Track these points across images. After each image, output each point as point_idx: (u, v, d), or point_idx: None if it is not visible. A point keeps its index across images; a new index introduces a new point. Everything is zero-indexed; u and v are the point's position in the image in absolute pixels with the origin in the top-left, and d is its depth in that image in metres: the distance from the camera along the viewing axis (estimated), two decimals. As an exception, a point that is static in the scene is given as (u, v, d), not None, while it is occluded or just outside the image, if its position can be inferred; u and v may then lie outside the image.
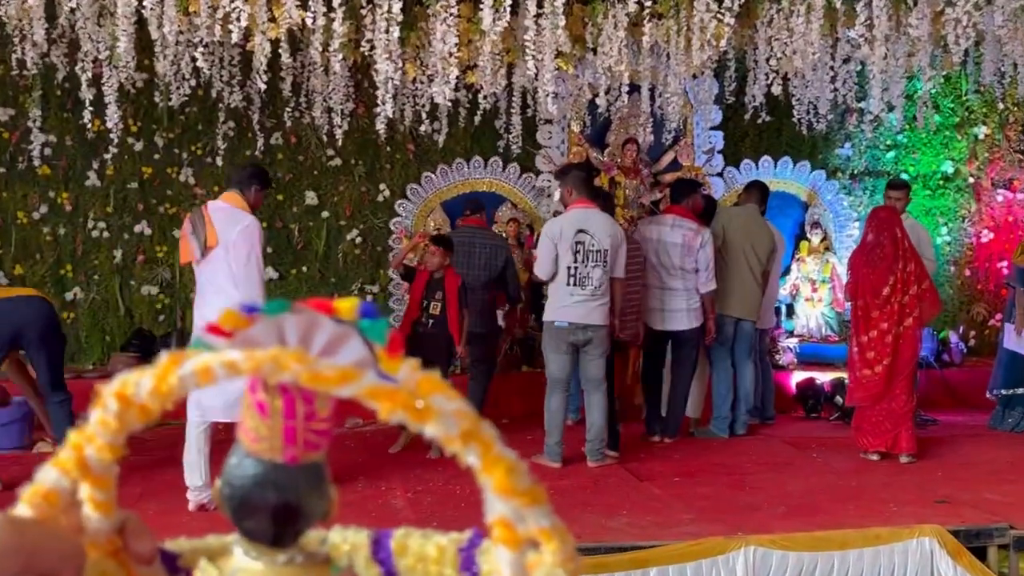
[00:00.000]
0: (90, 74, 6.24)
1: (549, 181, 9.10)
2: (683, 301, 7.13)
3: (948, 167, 10.09)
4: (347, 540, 0.94)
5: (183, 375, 0.72)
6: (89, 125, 6.79)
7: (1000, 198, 10.14)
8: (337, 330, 0.79)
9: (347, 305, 0.80)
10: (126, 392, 0.74)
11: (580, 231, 6.38)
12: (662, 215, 7.54)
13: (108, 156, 7.85)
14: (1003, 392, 7.88)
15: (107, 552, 0.83)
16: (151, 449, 6.28)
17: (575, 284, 6.38)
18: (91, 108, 6.37)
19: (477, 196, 8.54)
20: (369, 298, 9.22)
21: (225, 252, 5.52)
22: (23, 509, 0.76)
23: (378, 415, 0.73)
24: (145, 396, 0.74)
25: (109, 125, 6.39)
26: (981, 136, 10.12)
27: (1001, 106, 10.01)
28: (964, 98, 9.99)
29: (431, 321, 6.85)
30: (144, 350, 8.45)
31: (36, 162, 8.42)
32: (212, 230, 5.55)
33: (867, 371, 6.78)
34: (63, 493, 0.78)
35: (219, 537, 0.89)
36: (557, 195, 8.86)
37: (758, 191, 7.92)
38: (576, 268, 6.38)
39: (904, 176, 9.50)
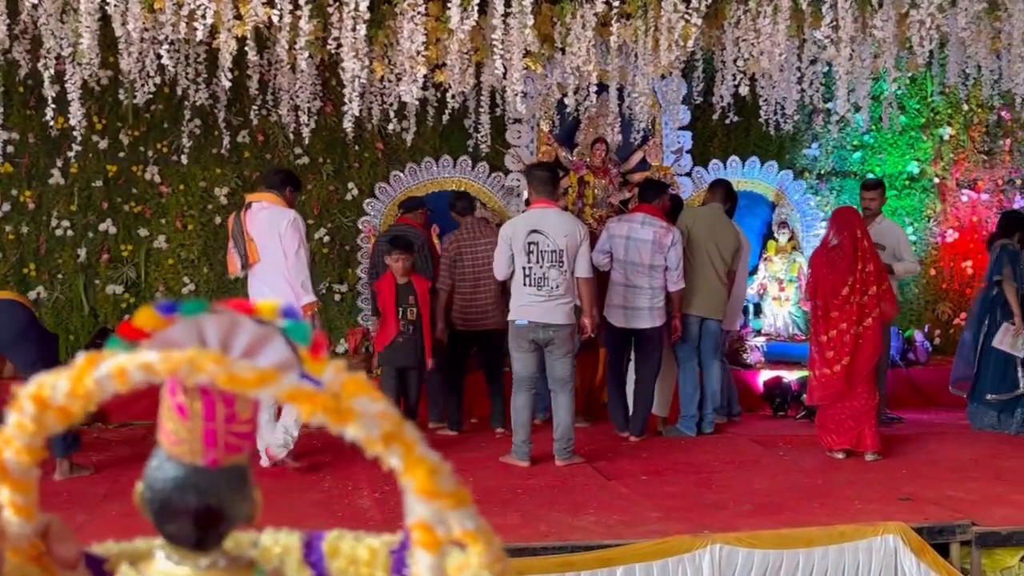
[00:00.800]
0: (53, 71, 6.17)
1: (518, 180, 9.10)
2: (647, 299, 7.15)
3: (914, 167, 10.19)
4: (279, 542, 0.93)
5: (99, 377, 0.71)
6: (52, 123, 6.73)
7: (965, 198, 10.25)
8: (259, 331, 0.77)
9: (268, 306, 0.78)
10: (42, 395, 0.73)
11: (533, 231, 6.39)
12: (632, 213, 7.56)
13: (72, 154, 7.74)
14: (998, 397, 7.86)
15: (29, 557, 0.81)
16: (115, 448, 6.23)
17: (531, 284, 6.39)
18: (54, 105, 6.30)
19: (420, 198, 8.51)
20: (338, 298, 9.20)
21: (273, 249, 6.09)
22: None
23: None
24: (62, 398, 0.72)
25: (73, 123, 6.32)
26: (946, 137, 10.23)
27: (966, 107, 10.11)
28: (929, 99, 10.08)
29: (411, 327, 6.91)
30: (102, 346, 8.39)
31: (-2, 159, 8.35)
32: (252, 247, 6.17)
33: (827, 370, 6.84)
34: None
35: (148, 540, 0.87)
36: (526, 194, 8.89)
37: (722, 190, 7.96)
38: (531, 268, 6.39)
39: (871, 176, 9.60)
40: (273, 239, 6.12)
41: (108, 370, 0.71)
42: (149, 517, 0.81)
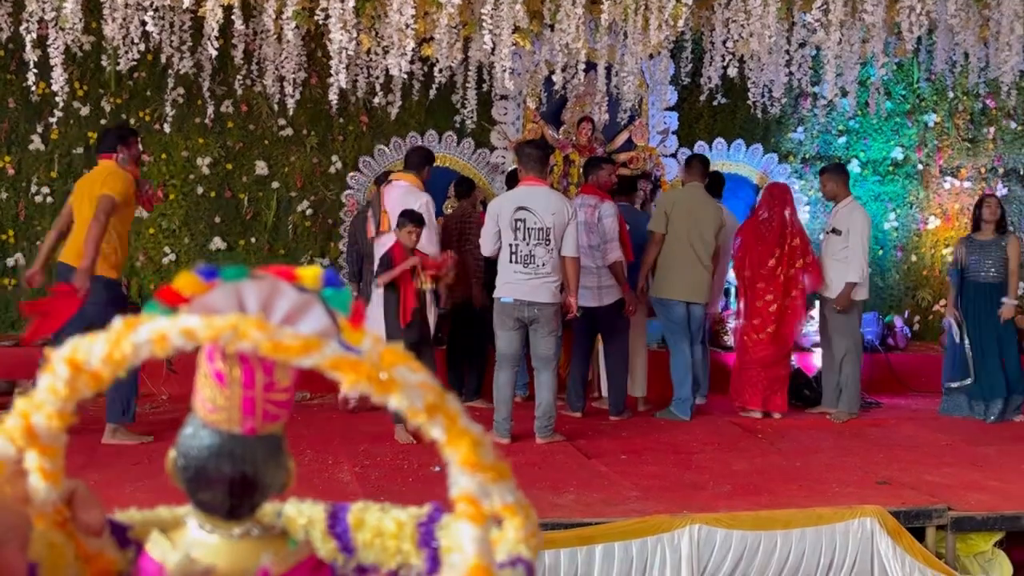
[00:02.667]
0: (35, 35, 6.09)
1: (504, 157, 9.08)
2: (592, 279, 7.13)
3: (898, 153, 10.22)
4: (303, 513, 0.92)
5: (137, 342, 0.70)
6: (34, 88, 6.64)
7: (947, 185, 10.29)
8: (299, 298, 0.76)
9: (310, 273, 0.77)
10: (77, 358, 0.72)
11: (520, 208, 6.37)
12: (577, 194, 7.55)
13: (53, 120, 7.69)
14: (953, 385, 7.99)
15: (54, 523, 0.80)
16: (96, 418, 6.19)
17: (518, 262, 6.37)
18: (36, 70, 6.22)
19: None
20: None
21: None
22: None
23: (341, 385, 0.71)
24: (97, 363, 0.71)
25: (55, 88, 6.24)
26: (931, 124, 10.26)
27: (951, 95, 10.14)
28: (915, 86, 10.11)
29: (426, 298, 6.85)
30: (87, 319, 8.36)
31: (-23, 125, 8.26)
32: (385, 218, 6.94)
33: (753, 335, 7.49)
34: (9, 462, 0.75)
35: (171, 509, 0.87)
36: (510, 169, 8.86)
37: (698, 165, 7.84)
38: (518, 246, 6.37)
39: (855, 162, 9.63)
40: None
41: (148, 335, 0.70)
42: (182, 485, 0.80)
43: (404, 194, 6.93)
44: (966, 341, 7.89)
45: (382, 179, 7.88)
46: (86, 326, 0.91)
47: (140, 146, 6.78)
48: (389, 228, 6.86)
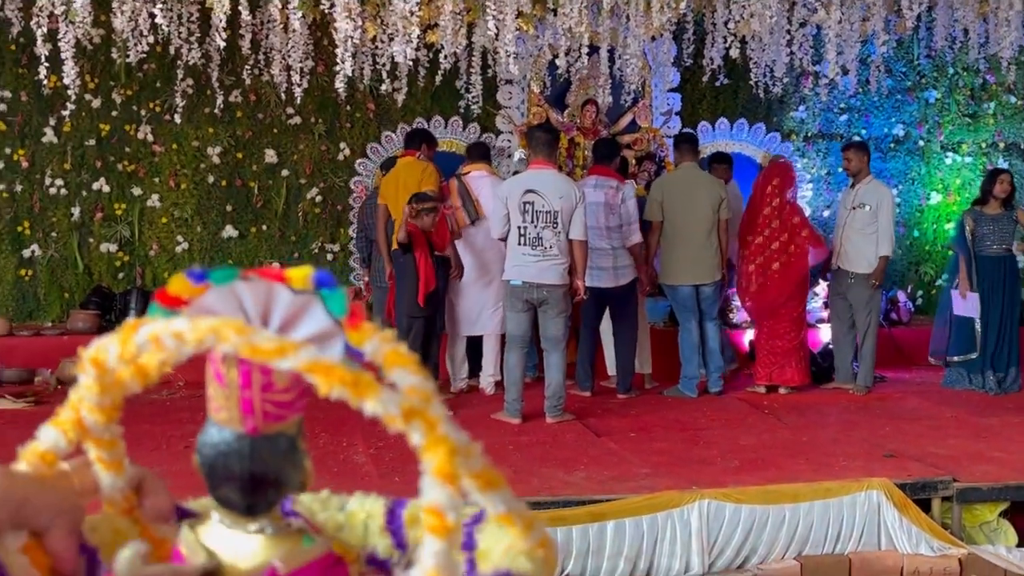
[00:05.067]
0: (46, 29, 6.09)
1: (509, 141, 9.06)
2: (609, 260, 7.12)
3: (899, 130, 10.18)
4: (364, 507, 0.92)
5: (139, 342, 0.70)
6: (45, 81, 6.64)
7: (949, 161, 10.26)
8: (297, 300, 0.74)
9: (299, 274, 0.75)
10: (100, 358, 0.72)
11: (529, 191, 6.35)
12: (585, 177, 7.51)
13: (65, 113, 7.71)
14: (956, 358, 8.01)
15: (122, 510, 0.81)
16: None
17: (526, 244, 6.36)
18: (47, 64, 6.23)
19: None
20: (330, 257, 9.18)
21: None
22: (22, 467, 0.75)
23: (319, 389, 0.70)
24: (114, 363, 0.72)
25: (66, 81, 6.26)
26: (931, 100, 10.21)
27: (951, 71, 10.11)
28: (916, 63, 10.07)
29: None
30: (103, 307, 8.38)
31: (-9, 118, 8.27)
32: (479, 206, 7.24)
33: (744, 297, 7.80)
34: (60, 452, 0.76)
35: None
36: (517, 155, 8.85)
37: (687, 144, 7.77)
38: (526, 228, 6.35)
39: (857, 139, 9.58)
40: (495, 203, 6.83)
41: (145, 336, 0.69)
42: (203, 480, 0.80)
43: (491, 182, 7.28)
44: (977, 314, 7.87)
45: (388, 164, 7.86)
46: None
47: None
48: (484, 215, 7.19)
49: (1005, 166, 10.13)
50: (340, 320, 0.74)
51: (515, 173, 7.78)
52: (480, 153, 7.70)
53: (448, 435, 0.68)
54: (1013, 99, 10.36)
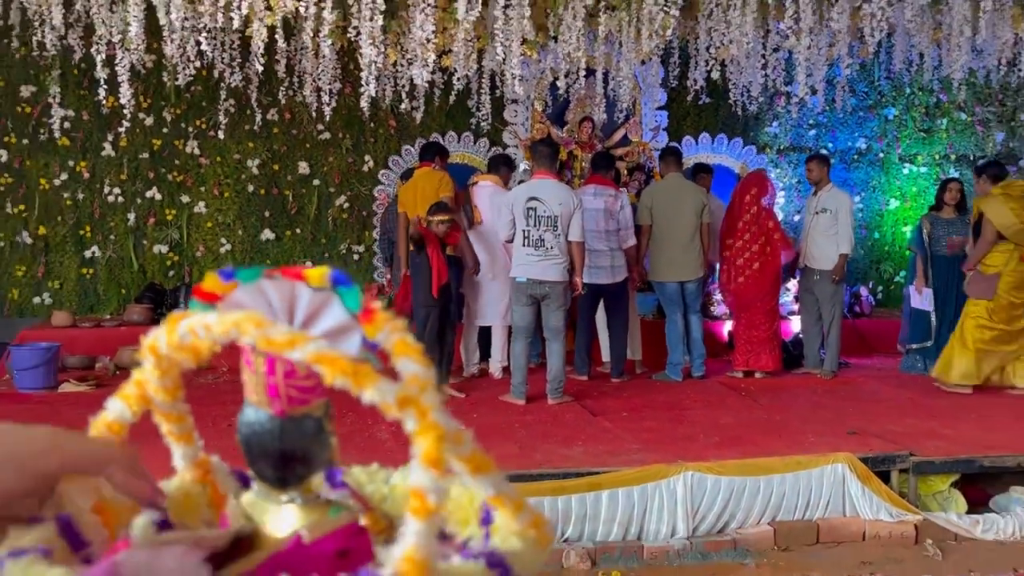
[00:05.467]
0: (104, 55, 6.10)
1: (515, 153, 9.05)
2: (607, 260, 7.11)
3: (862, 144, 10.15)
4: (406, 481, 0.90)
5: (181, 333, 0.70)
6: (104, 101, 6.67)
7: (906, 171, 10.23)
8: (317, 297, 0.74)
9: (317, 273, 0.74)
10: (154, 345, 0.73)
11: (531, 199, 6.35)
12: (584, 185, 7.48)
13: (121, 129, 7.67)
14: (913, 346, 8.05)
15: (197, 478, 0.81)
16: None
17: (530, 245, 6.36)
18: (105, 86, 6.24)
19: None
20: (356, 257, 9.18)
21: (493, 217, 6.98)
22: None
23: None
24: (164, 348, 0.72)
25: (122, 102, 6.26)
26: (890, 117, 10.18)
27: (908, 91, 10.07)
28: (876, 83, 10.03)
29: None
30: (156, 302, 8.39)
31: (56, 134, 8.29)
32: (477, 212, 7.36)
33: (725, 292, 7.79)
34: (125, 423, 0.76)
35: None
36: (522, 166, 8.84)
37: (672, 157, 7.75)
38: (530, 231, 6.35)
39: (824, 151, 9.55)
40: (493, 210, 7.04)
41: (184, 328, 0.70)
42: (243, 455, 0.80)
43: (492, 193, 7.27)
44: (932, 308, 7.88)
45: (407, 175, 7.87)
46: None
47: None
48: (481, 221, 7.28)
49: (956, 176, 10.11)
50: (356, 314, 0.73)
51: (520, 182, 7.76)
52: (495, 164, 7.66)
53: (438, 422, 0.66)
54: (963, 116, 10.32)
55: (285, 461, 0.77)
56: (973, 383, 7.05)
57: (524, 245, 6.37)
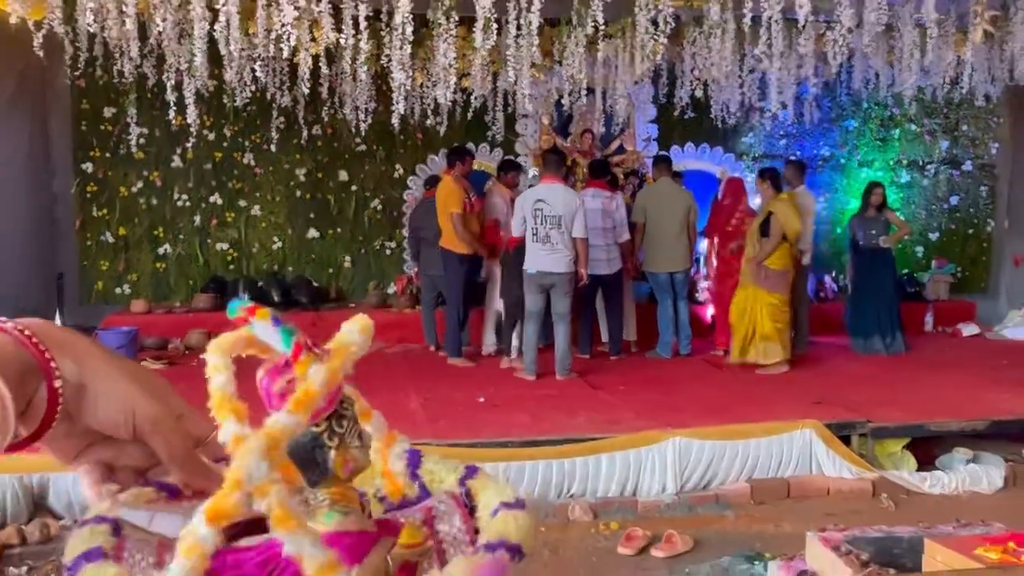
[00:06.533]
0: (173, 81, 6.12)
1: (526, 161, 9.03)
2: (604, 253, 7.06)
3: (825, 151, 10.07)
4: (448, 469, 0.81)
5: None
6: (173, 120, 6.69)
7: (863, 175, 10.14)
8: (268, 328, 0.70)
9: (264, 312, 0.67)
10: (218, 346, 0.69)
11: (539, 200, 6.33)
12: (584, 188, 7.41)
13: (188, 144, 7.75)
14: (856, 329, 7.98)
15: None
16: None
17: (539, 241, 6.34)
18: (174, 107, 6.26)
19: (435, 176, 8.29)
20: (388, 252, 9.18)
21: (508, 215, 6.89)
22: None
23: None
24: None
25: (188, 120, 6.27)
26: (850, 128, 10.10)
27: (865, 105, 9.98)
28: (838, 99, 9.94)
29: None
30: (218, 291, 8.43)
31: (133, 149, 8.33)
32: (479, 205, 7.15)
33: (710, 283, 7.79)
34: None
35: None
36: (532, 172, 8.82)
37: (663, 163, 7.70)
38: (537, 229, 6.33)
39: (792, 158, 9.48)
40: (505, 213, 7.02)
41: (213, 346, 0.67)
42: None
43: (494, 195, 7.24)
44: (856, 292, 7.90)
45: (431, 182, 7.85)
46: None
47: (470, 163, 7.22)
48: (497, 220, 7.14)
49: (908, 178, 10.06)
50: (287, 353, 0.69)
51: (530, 186, 7.75)
52: (503, 170, 7.49)
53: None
54: (913, 127, 10.23)
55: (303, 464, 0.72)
56: (787, 358, 6.90)
57: (534, 241, 6.35)
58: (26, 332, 0.61)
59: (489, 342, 7.55)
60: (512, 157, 8.85)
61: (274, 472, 0.57)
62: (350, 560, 0.70)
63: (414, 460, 0.81)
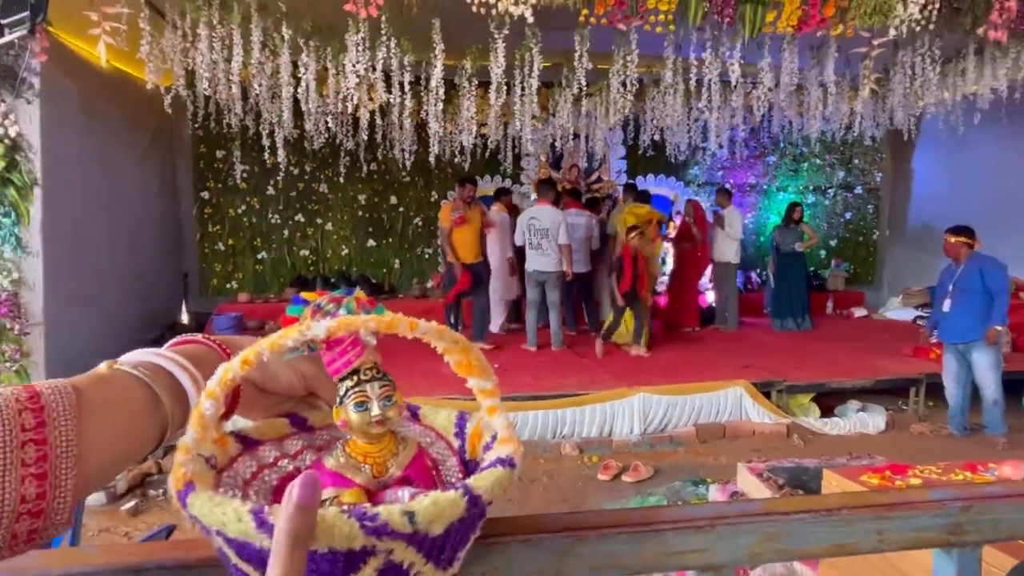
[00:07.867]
0: (268, 130, 6.12)
1: (528, 188, 8.99)
2: (582, 256, 7.01)
3: (752, 179, 10.00)
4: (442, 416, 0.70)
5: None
6: (267, 160, 6.67)
7: (780, 197, 10.06)
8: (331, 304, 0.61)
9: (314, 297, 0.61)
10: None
11: (532, 218, 6.34)
12: (567, 208, 7.22)
13: (279, 177, 7.74)
14: (773, 311, 7.97)
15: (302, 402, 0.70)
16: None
17: (533, 248, 6.34)
18: (268, 150, 6.26)
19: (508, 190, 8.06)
20: (427, 256, 9.17)
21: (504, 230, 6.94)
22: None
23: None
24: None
25: (279, 160, 6.26)
26: (771, 162, 10.01)
27: (782, 144, 9.90)
28: (761, 140, 9.86)
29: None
30: (302, 287, 8.43)
31: (238, 181, 8.31)
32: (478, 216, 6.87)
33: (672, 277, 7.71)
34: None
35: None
36: (533, 196, 8.78)
37: (631, 189, 7.65)
38: (531, 239, 6.33)
39: (727, 186, 9.43)
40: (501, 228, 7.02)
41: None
42: None
43: (493, 214, 7.17)
44: (776, 284, 7.86)
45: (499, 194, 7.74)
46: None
47: (471, 189, 6.93)
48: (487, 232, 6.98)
49: (813, 199, 9.99)
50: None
51: (528, 207, 7.73)
52: (498, 195, 7.50)
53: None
54: (818, 161, 10.14)
55: None
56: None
57: (530, 248, 6.36)
58: (220, 344, 0.64)
59: (496, 325, 7.57)
60: (506, 186, 8.83)
61: None
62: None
63: (412, 408, 0.72)
